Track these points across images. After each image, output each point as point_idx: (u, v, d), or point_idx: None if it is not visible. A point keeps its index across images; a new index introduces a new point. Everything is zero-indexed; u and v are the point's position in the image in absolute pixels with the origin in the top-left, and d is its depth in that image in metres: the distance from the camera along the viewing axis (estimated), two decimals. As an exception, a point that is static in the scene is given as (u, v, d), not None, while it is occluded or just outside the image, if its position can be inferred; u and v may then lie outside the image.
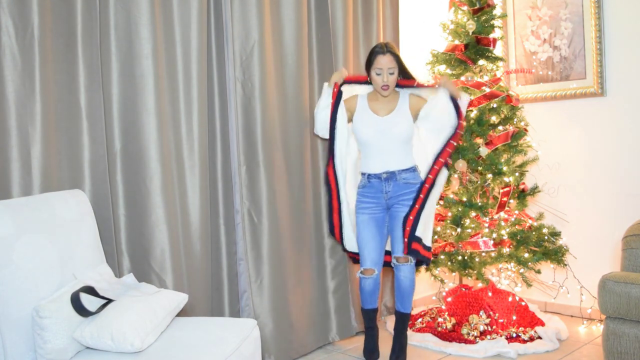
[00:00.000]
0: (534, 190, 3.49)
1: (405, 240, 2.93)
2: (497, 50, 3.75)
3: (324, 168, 3.32)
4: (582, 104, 3.63)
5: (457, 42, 3.50)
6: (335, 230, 3.14)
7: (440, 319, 3.44)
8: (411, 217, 2.93)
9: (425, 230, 3.02)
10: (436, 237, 3.40)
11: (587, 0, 3.52)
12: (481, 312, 3.34)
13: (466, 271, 3.29)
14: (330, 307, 3.33)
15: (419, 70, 3.80)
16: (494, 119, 3.41)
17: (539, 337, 3.22)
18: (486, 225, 3.31)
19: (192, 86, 2.72)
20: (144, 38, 2.55)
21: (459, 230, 3.29)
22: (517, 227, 3.33)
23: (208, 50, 2.84)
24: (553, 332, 3.24)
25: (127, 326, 1.85)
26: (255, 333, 2.17)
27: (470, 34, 3.45)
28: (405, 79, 3.04)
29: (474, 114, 3.38)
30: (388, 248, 3.12)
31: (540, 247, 3.32)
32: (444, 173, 3.04)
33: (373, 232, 2.99)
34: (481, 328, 3.26)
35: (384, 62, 2.91)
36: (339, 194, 3.07)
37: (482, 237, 3.27)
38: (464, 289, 3.51)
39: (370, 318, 3.12)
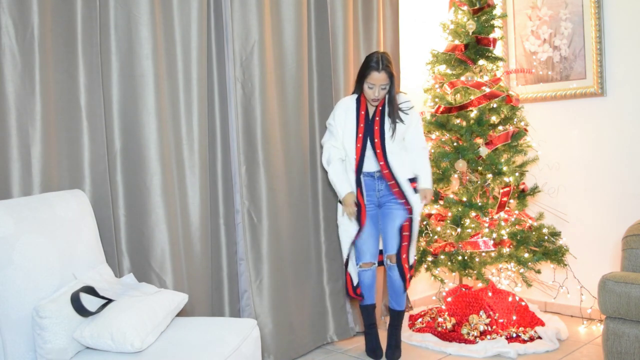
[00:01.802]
0: (534, 190, 3.49)
1: (408, 277, 3.03)
2: (497, 50, 3.75)
3: (323, 169, 3.32)
4: (582, 104, 3.63)
5: (457, 42, 3.50)
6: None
7: (440, 319, 3.44)
8: (404, 255, 3.00)
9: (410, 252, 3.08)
10: (436, 237, 3.40)
11: (587, 0, 3.52)
12: (481, 312, 3.34)
13: (466, 271, 3.29)
14: (329, 307, 3.33)
15: (419, 70, 3.81)
16: (494, 119, 3.41)
17: (539, 337, 3.22)
18: (486, 225, 3.31)
19: (192, 86, 2.72)
20: (144, 38, 2.55)
21: (459, 230, 3.29)
22: (517, 227, 3.33)
23: (208, 50, 2.84)
24: (553, 332, 3.24)
25: (127, 326, 1.85)
26: (255, 333, 2.17)
27: (470, 34, 3.45)
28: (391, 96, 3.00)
29: (474, 114, 3.38)
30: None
31: (540, 247, 3.32)
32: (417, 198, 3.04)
33: (370, 228, 3.03)
34: (481, 328, 3.26)
35: (377, 78, 2.89)
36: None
37: (482, 237, 3.27)
38: (464, 289, 3.51)
39: (370, 315, 3.14)
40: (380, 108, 3.01)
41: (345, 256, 3.08)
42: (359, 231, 2.99)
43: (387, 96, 2.99)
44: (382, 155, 2.97)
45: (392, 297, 3.10)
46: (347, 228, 3.04)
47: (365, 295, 3.10)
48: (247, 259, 2.96)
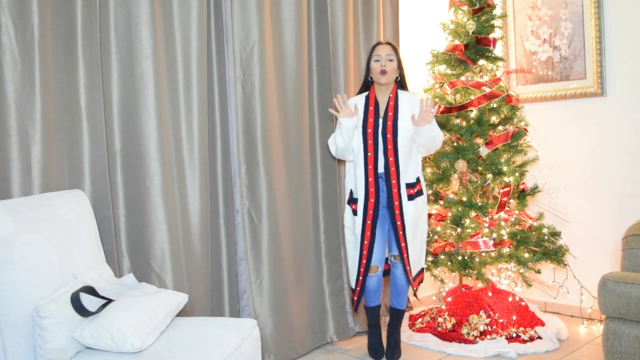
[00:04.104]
0: (534, 190, 3.49)
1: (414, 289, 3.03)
2: (497, 50, 3.75)
3: (323, 169, 3.32)
4: (582, 104, 3.63)
5: (457, 42, 3.50)
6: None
7: (440, 319, 3.44)
8: (408, 267, 2.97)
9: (418, 261, 3.07)
10: (436, 237, 3.40)
11: (587, 0, 3.52)
12: (481, 312, 3.34)
13: (466, 271, 3.29)
14: (329, 307, 3.32)
15: (419, 70, 3.81)
16: (494, 119, 3.41)
17: (539, 337, 3.22)
18: (486, 225, 3.31)
19: (192, 86, 2.72)
20: (144, 38, 2.55)
21: (459, 230, 3.29)
22: (517, 227, 3.33)
23: (208, 50, 2.84)
24: (553, 332, 3.24)
25: (127, 326, 1.85)
26: (255, 333, 2.17)
27: (470, 34, 3.45)
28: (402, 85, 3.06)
29: (474, 114, 3.38)
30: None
31: (540, 247, 3.32)
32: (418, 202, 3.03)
33: (378, 229, 2.99)
34: (481, 328, 3.26)
35: (382, 50, 2.98)
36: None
37: (482, 237, 3.27)
38: (464, 289, 3.51)
39: (374, 315, 3.13)
40: (393, 103, 2.99)
41: (352, 283, 3.08)
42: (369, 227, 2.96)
43: (397, 88, 3.00)
44: (393, 151, 2.94)
45: (394, 295, 3.09)
46: (354, 246, 3.04)
47: (370, 299, 3.08)
48: (247, 259, 2.96)
